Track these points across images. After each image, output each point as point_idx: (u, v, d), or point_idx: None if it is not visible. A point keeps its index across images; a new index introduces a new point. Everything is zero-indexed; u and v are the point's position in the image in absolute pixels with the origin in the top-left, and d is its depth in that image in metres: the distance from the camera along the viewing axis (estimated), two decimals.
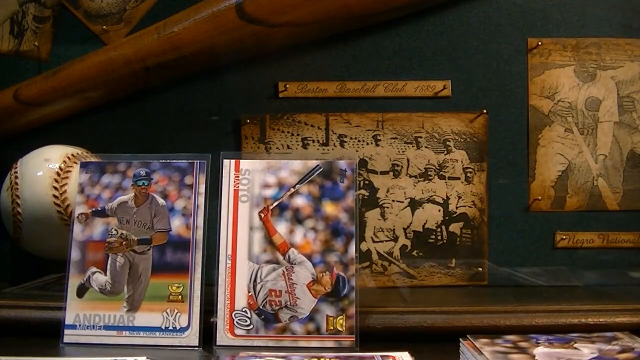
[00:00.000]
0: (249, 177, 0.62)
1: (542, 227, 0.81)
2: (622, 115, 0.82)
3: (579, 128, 0.82)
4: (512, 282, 0.80)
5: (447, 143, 0.82)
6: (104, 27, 0.86)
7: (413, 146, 0.82)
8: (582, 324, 0.57)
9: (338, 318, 0.58)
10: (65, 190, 0.72)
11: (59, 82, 0.83)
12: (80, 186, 0.64)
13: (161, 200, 0.62)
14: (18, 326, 0.61)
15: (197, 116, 0.84)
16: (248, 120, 0.83)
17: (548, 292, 0.77)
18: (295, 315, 0.58)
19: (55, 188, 0.72)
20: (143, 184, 0.63)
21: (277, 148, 0.83)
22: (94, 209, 0.63)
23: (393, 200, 0.81)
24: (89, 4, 0.87)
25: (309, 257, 0.60)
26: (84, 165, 0.65)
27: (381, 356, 0.51)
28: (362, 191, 0.81)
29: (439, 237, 0.81)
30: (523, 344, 0.48)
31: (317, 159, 0.64)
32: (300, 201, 0.62)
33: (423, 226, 0.81)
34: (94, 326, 0.59)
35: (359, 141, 0.82)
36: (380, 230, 0.81)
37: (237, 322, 0.58)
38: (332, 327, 0.58)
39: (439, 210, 0.81)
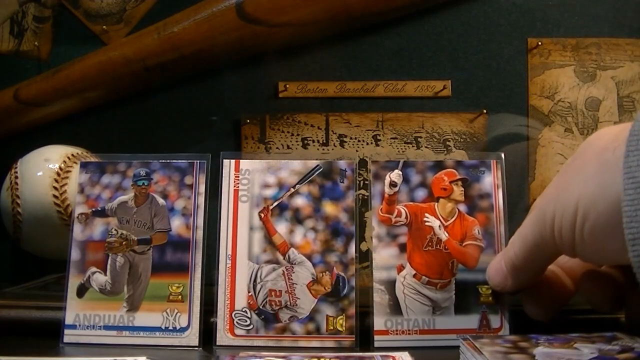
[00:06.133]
0: (249, 177, 0.62)
1: None
2: (622, 115, 0.82)
3: (579, 128, 0.82)
4: None
5: (447, 143, 0.82)
6: (104, 27, 0.86)
7: (413, 146, 0.82)
8: (582, 324, 0.57)
9: (338, 318, 0.58)
10: (65, 190, 0.72)
11: (59, 82, 0.83)
12: (80, 186, 0.63)
13: (161, 200, 0.62)
14: (18, 326, 0.61)
15: (197, 116, 0.84)
16: (248, 121, 0.83)
17: None
18: (295, 315, 0.58)
19: (55, 188, 0.72)
20: (143, 184, 0.63)
21: (277, 148, 0.83)
22: (94, 209, 0.63)
23: None
24: (89, 4, 0.87)
25: (309, 257, 0.60)
26: (84, 165, 0.64)
27: (381, 356, 0.51)
28: (362, 191, 0.81)
29: None
30: (523, 344, 0.48)
31: (317, 159, 0.64)
32: (300, 201, 0.62)
33: None
34: (94, 326, 0.59)
35: (359, 141, 0.82)
36: None
37: (237, 322, 0.58)
38: (332, 327, 0.58)
39: None
